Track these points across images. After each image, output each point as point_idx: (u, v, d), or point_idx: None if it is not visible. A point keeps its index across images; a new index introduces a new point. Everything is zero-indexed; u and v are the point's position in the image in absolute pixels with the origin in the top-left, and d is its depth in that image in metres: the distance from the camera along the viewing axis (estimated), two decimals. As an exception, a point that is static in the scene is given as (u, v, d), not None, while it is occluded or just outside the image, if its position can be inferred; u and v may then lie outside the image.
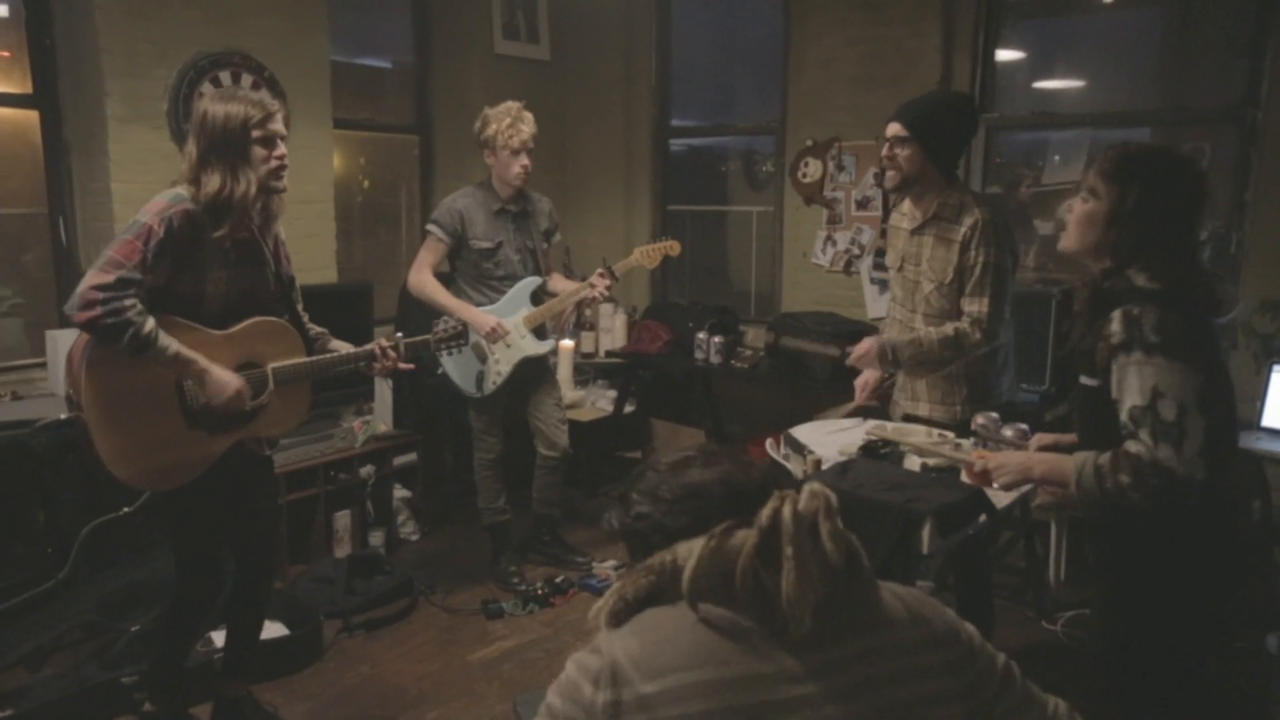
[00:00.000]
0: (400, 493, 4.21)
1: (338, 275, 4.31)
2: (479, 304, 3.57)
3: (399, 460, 4.15)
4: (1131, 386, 1.63)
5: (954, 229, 2.70)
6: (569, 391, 4.57)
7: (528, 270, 3.64)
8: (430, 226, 3.57)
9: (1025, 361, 3.65)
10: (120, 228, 2.56)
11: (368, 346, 2.58)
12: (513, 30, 5.03)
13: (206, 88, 3.69)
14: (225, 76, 3.77)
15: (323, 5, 4.11)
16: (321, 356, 2.54)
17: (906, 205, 2.88)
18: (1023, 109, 4.29)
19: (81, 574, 3.23)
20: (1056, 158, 4.42)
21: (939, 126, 2.68)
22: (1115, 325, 1.66)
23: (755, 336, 4.78)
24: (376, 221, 5.10)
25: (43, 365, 3.53)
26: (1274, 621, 2.65)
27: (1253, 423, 3.39)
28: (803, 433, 2.85)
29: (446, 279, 3.65)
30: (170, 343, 2.20)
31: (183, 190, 2.27)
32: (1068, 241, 1.84)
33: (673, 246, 3.77)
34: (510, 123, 3.43)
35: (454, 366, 3.59)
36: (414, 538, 4.25)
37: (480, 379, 3.59)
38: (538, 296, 3.67)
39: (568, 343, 4.75)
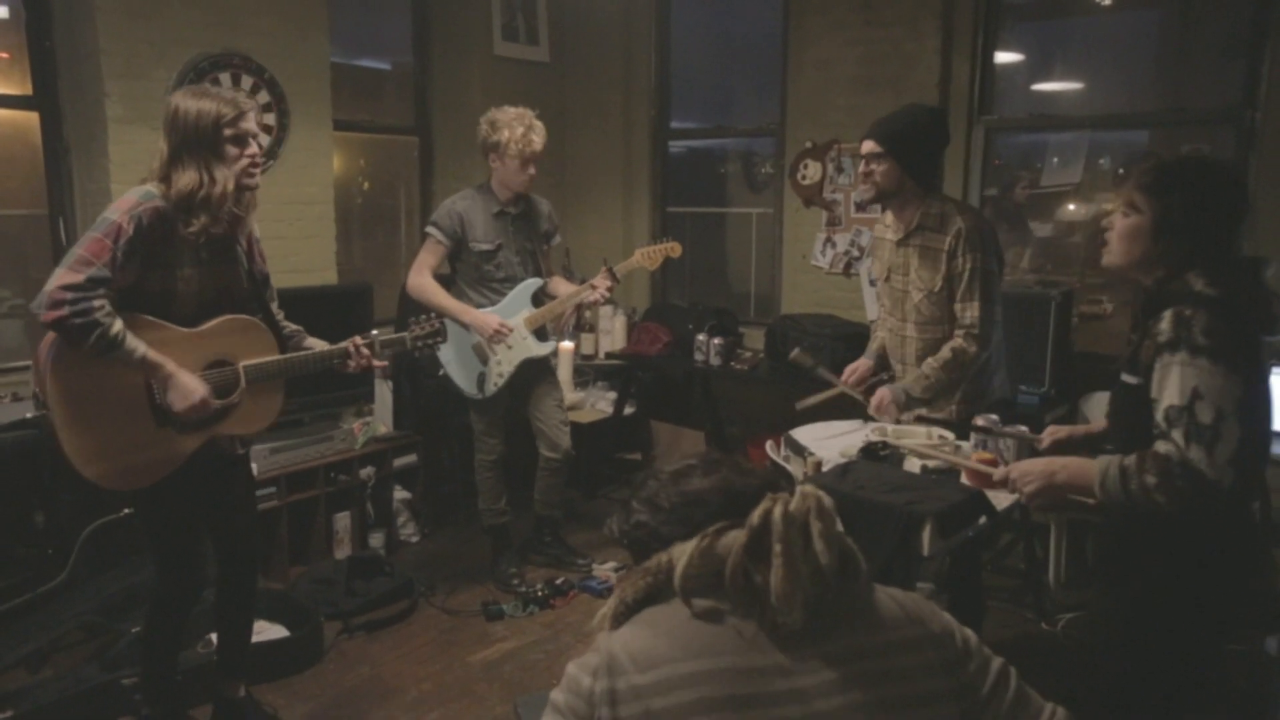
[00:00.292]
0: (400, 494, 4.22)
1: (337, 277, 4.31)
2: (480, 306, 3.57)
3: (399, 461, 4.15)
4: (1171, 386, 1.63)
5: (939, 238, 2.77)
6: (569, 393, 4.58)
7: (528, 272, 3.65)
8: (429, 229, 3.57)
9: (1025, 364, 3.67)
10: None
11: (341, 345, 2.57)
12: (512, 32, 5.03)
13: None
14: (225, 78, 3.78)
15: (323, 7, 4.11)
16: (294, 354, 2.52)
17: (890, 217, 2.94)
18: (1021, 111, 4.30)
19: (82, 575, 3.24)
20: (1055, 160, 4.43)
21: (911, 141, 2.75)
22: (1165, 324, 1.66)
23: (754, 338, 4.78)
24: (376, 223, 5.10)
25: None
26: (1274, 623, 2.65)
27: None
28: (803, 434, 2.85)
29: (447, 281, 3.66)
30: (137, 345, 2.18)
31: (152, 188, 2.25)
32: (1112, 258, 1.83)
33: (674, 248, 3.77)
34: (523, 132, 3.42)
35: (456, 368, 3.60)
36: (414, 539, 4.25)
37: (482, 380, 3.59)
38: (539, 298, 3.68)
39: (567, 344, 4.76)
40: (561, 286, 3.73)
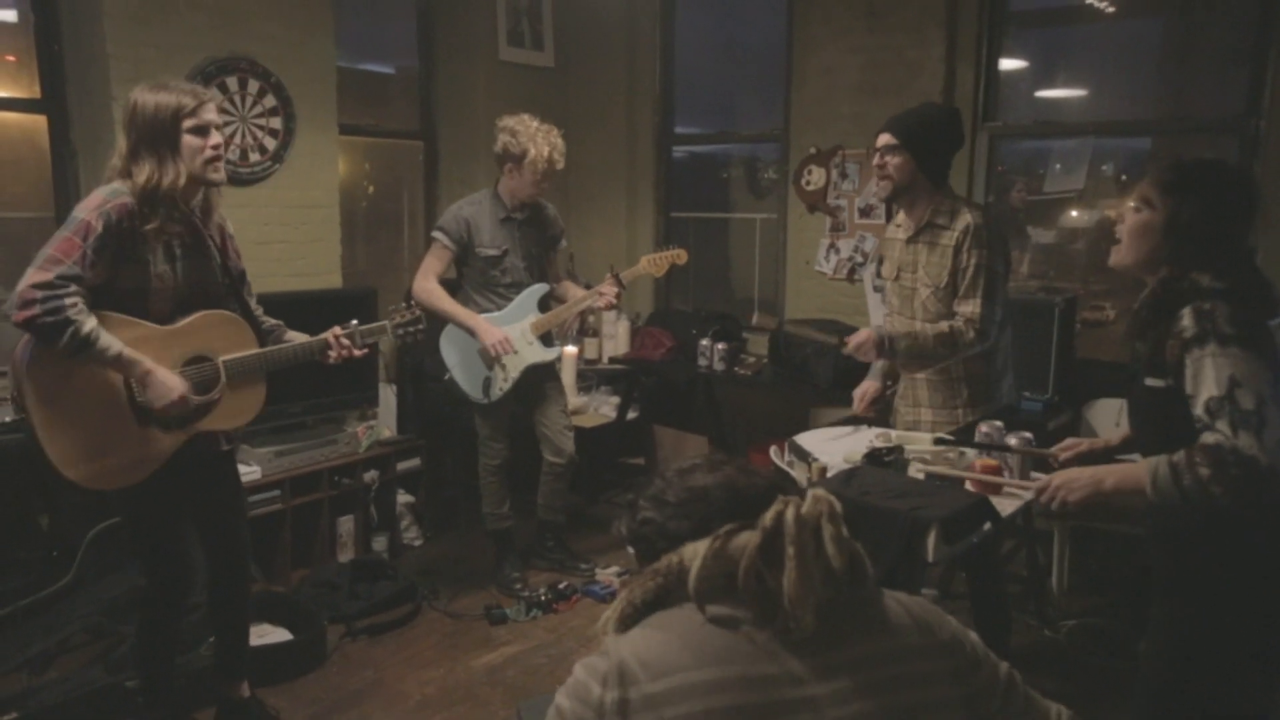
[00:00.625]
0: (403, 498, 4.22)
1: (342, 280, 4.32)
2: (486, 311, 3.58)
3: (402, 465, 4.15)
4: (1207, 378, 1.62)
5: (946, 234, 2.76)
6: (572, 398, 4.58)
7: (534, 277, 3.65)
8: (436, 234, 3.58)
9: (1028, 371, 3.66)
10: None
11: (321, 336, 2.57)
12: (517, 37, 5.04)
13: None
14: (232, 82, 3.79)
15: (329, 11, 4.13)
16: (274, 347, 2.52)
17: (901, 216, 2.94)
18: (1025, 118, 4.31)
19: (86, 578, 3.24)
20: (1058, 166, 4.43)
21: (927, 136, 2.76)
22: (1186, 321, 1.66)
23: (758, 344, 4.79)
24: (380, 227, 5.11)
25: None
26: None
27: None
28: (807, 440, 2.86)
29: (453, 286, 3.66)
30: (112, 343, 2.17)
31: (119, 185, 2.25)
32: (1122, 255, 1.83)
33: (680, 255, 3.77)
34: (549, 152, 3.42)
35: (461, 373, 3.60)
36: (417, 543, 4.26)
37: (487, 385, 3.59)
38: (544, 303, 3.68)
39: (571, 349, 4.76)
40: (571, 290, 3.74)
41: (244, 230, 3.46)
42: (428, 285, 3.53)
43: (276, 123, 3.96)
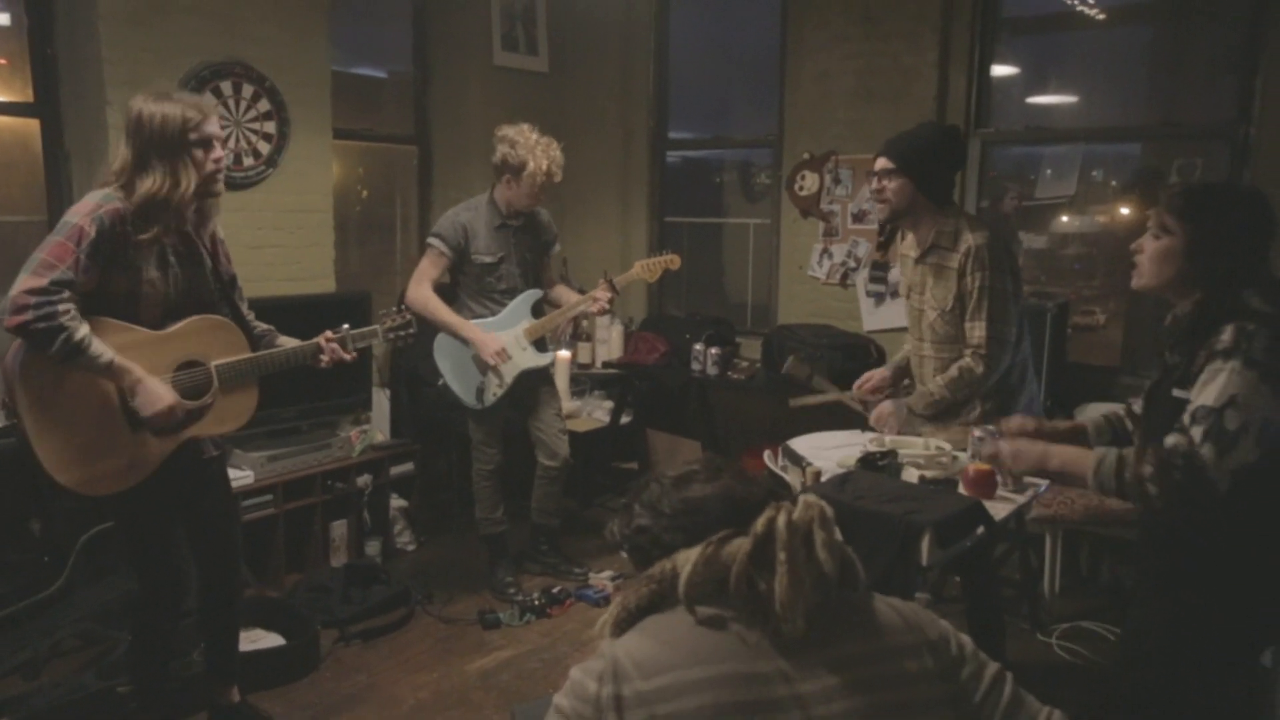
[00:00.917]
0: (397, 502, 4.22)
1: (336, 285, 4.32)
2: (481, 317, 3.58)
3: (396, 470, 4.15)
4: (1212, 389, 1.65)
5: (950, 256, 2.74)
6: (565, 402, 4.58)
7: (529, 283, 3.66)
8: (432, 240, 3.57)
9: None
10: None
11: (313, 340, 2.57)
12: (512, 42, 5.05)
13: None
14: (226, 86, 3.79)
15: (323, 15, 4.13)
16: (266, 352, 2.52)
17: (910, 236, 2.92)
18: (1017, 124, 4.33)
19: (78, 583, 3.23)
20: (1049, 172, 4.46)
21: (925, 159, 2.73)
22: (1226, 335, 1.69)
23: (751, 348, 4.80)
24: (374, 231, 5.11)
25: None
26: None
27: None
28: (801, 444, 2.87)
29: (447, 291, 3.66)
30: (103, 351, 2.17)
31: (112, 190, 2.24)
32: (1144, 279, 1.87)
33: (673, 260, 3.78)
34: (548, 165, 3.42)
35: (455, 378, 3.60)
36: (410, 547, 4.25)
37: (481, 390, 3.60)
38: (539, 308, 3.69)
39: (564, 354, 4.77)
40: (565, 295, 3.75)
41: (238, 234, 3.48)
42: (423, 292, 3.52)
43: (271, 127, 3.95)
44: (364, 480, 3.99)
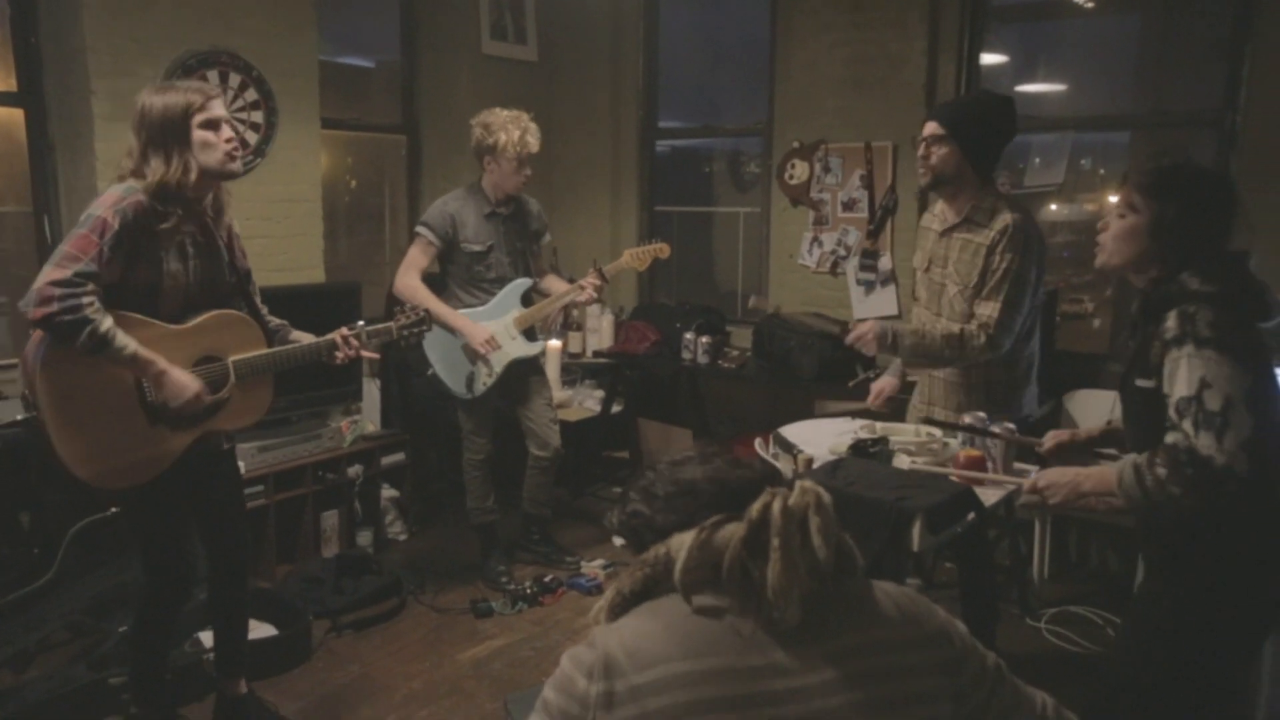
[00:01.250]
0: (388, 492, 4.21)
1: (325, 275, 4.30)
2: (470, 306, 3.57)
3: (387, 460, 4.15)
4: (1180, 379, 1.66)
5: (983, 231, 2.65)
6: (556, 392, 4.58)
7: (518, 272, 3.65)
8: (420, 229, 3.56)
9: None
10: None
11: (329, 336, 2.57)
12: (500, 31, 5.03)
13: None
14: (213, 75, 3.76)
15: (311, 5, 4.10)
16: (283, 348, 2.52)
17: (939, 207, 2.83)
18: (1006, 112, 4.33)
19: (68, 575, 3.22)
20: (1037, 160, 4.47)
21: (977, 126, 2.64)
22: (1170, 322, 1.70)
23: (741, 337, 4.81)
24: (362, 221, 5.09)
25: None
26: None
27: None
28: (792, 432, 2.88)
29: (436, 280, 3.65)
30: (128, 342, 2.17)
31: (134, 183, 2.25)
32: (1108, 256, 1.87)
33: (662, 249, 3.79)
34: (520, 134, 3.42)
35: (444, 368, 3.60)
36: (401, 537, 4.25)
37: (470, 380, 3.59)
38: (528, 298, 3.68)
39: (555, 343, 4.76)
40: (555, 284, 3.75)
41: (226, 224, 3.46)
42: (411, 282, 3.51)
43: (258, 117, 3.93)
44: (355, 470, 3.98)
